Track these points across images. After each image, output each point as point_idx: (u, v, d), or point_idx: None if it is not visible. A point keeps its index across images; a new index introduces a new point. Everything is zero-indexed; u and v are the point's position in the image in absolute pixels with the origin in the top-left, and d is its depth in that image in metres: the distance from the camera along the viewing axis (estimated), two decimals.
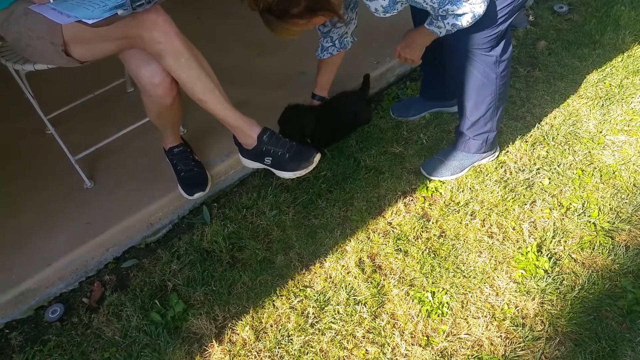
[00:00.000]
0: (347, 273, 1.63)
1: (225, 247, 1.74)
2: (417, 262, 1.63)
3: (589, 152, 1.89)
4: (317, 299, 1.57)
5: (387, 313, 1.52)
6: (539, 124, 2.02)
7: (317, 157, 1.64)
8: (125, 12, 1.31)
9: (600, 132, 1.96)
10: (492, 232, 1.69)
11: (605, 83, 2.14)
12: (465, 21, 1.38)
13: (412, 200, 1.82)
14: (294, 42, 2.42)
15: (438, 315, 1.51)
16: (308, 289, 1.61)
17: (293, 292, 1.60)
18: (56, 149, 1.81)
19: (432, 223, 1.74)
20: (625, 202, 1.73)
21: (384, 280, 1.60)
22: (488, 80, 1.57)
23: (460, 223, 1.73)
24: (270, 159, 1.64)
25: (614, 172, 1.81)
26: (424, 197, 1.82)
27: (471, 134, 1.74)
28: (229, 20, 2.68)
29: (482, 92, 1.60)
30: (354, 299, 1.56)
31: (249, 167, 1.75)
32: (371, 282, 1.59)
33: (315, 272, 1.65)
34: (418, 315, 1.51)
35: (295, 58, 2.37)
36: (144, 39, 1.40)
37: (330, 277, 1.63)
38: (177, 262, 1.72)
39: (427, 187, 1.84)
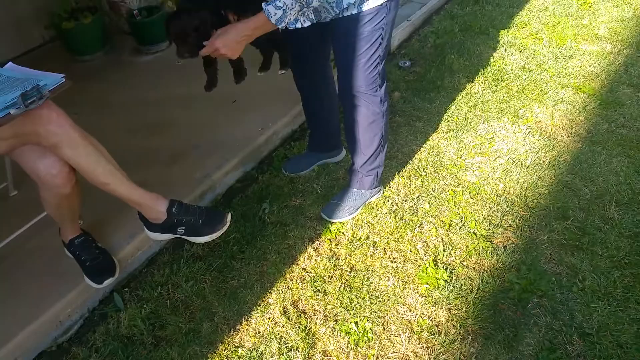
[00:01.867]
0: (275, 324, 1.69)
1: (145, 329, 1.71)
2: (337, 299, 1.76)
3: (455, 175, 2.21)
4: (250, 356, 1.61)
5: (320, 352, 1.61)
6: (410, 159, 2.31)
7: (229, 217, 1.72)
8: (18, 110, 1.32)
9: (460, 157, 2.31)
10: (393, 258, 1.89)
11: (454, 118, 2.53)
12: None
13: (319, 244, 1.96)
14: (181, 119, 2.54)
15: (365, 342, 1.63)
16: (239, 349, 1.64)
17: (225, 355, 1.62)
18: None
19: (342, 260, 1.89)
20: (494, 210, 2.04)
21: (310, 322, 1.69)
22: (376, 117, 1.81)
23: (366, 255, 1.90)
24: (183, 228, 1.68)
25: (478, 188, 2.14)
26: (329, 239, 1.98)
27: (364, 171, 1.96)
28: (108, 110, 2.71)
29: (373, 129, 1.84)
30: (286, 346, 1.63)
31: (159, 239, 1.77)
32: (299, 327, 1.68)
33: (243, 331, 1.69)
34: (348, 347, 1.62)
35: (185, 133, 2.46)
36: (40, 134, 1.41)
37: (259, 332, 1.68)
38: (97, 355, 1.64)
39: (330, 230, 2.00)
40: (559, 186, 2.14)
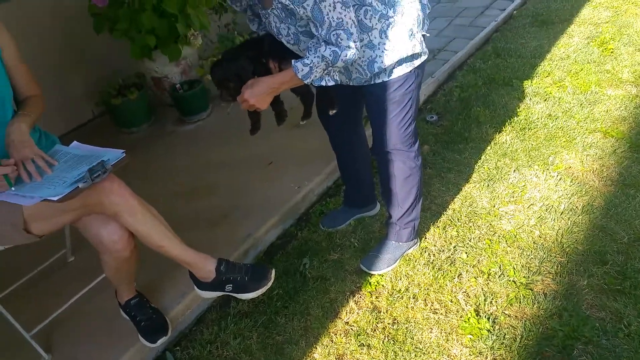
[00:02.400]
0: None
1: None
2: (381, 352, 1.79)
3: (490, 224, 2.26)
4: None
5: None
6: (443, 210, 2.38)
7: (273, 273, 1.81)
8: (85, 184, 1.48)
9: (494, 206, 2.36)
10: (435, 309, 1.92)
11: (484, 168, 2.60)
12: (345, 56, 1.52)
13: (360, 297, 2.02)
14: (221, 182, 2.69)
15: None
16: None
17: None
18: (9, 327, 1.80)
19: (384, 313, 1.93)
20: (531, 258, 2.07)
21: None
22: (412, 172, 1.92)
23: (407, 307, 1.94)
24: (231, 285, 1.78)
25: (514, 236, 2.18)
26: (370, 292, 2.03)
27: (402, 224, 2.03)
28: (154, 177, 2.90)
29: (409, 183, 1.94)
30: None
31: (208, 297, 1.87)
32: None
33: None
34: None
35: (226, 195, 2.61)
36: (104, 204, 1.56)
37: None
38: None
39: (370, 283, 2.06)
40: (595, 231, 2.15)
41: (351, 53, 1.52)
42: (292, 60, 1.58)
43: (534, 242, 2.14)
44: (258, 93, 1.66)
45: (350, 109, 2.01)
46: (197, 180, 2.79)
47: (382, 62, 1.66)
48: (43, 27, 3.27)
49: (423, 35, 1.71)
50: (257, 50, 1.73)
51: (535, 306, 1.88)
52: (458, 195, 2.45)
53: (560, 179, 2.45)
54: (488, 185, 2.49)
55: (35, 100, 1.77)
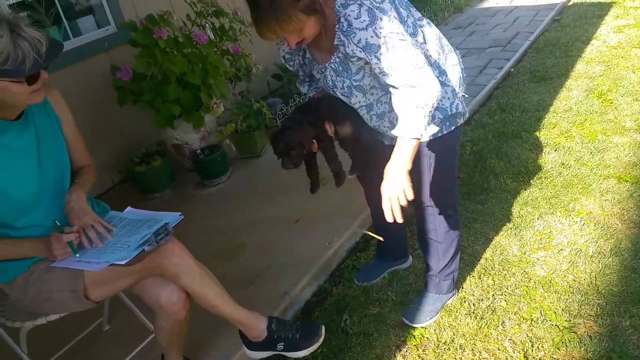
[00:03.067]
0: None
1: None
2: None
3: (524, 271, 2.31)
4: None
5: None
6: (476, 260, 2.43)
7: (323, 329, 1.83)
8: (151, 247, 1.53)
9: (524, 253, 2.41)
10: (484, 358, 1.93)
11: (508, 217, 2.68)
12: (433, 90, 1.49)
13: (407, 351, 2.02)
14: (249, 243, 2.73)
15: None
16: None
17: None
18: None
19: None
20: (570, 302, 2.10)
21: None
22: (453, 224, 1.98)
23: (455, 358, 1.95)
24: (283, 344, 1.79)
25: (550, 281, 2.22)
26: (415, 345, 2.04)
27: (442, 276, 2.07)
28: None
29: (451, 236, 1.99)
30: None
31: (259, 358, 1.87)
32: None
33: None
34: None
35: (256, 255, 2.64)
36: (163, 266, 1.60)
37: None
38: None
39: (414, 336, 2.07)
40: (627, 272, 2.21)
41: (437, 86, 1.50)
42: (398, 135, 1.56)
43: (569, 286, 2.18)
44: (399, 180, 1.59)
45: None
46: (225, 241, 2.83)
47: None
48: (72, 100, 3.41)
49: (462, 96, 1.82)
50: (315, 115, 1.77)
51: (582, 349, 1.89)
52: (488, 245, 2.51)
53: (584, 224, 2.53)
54: (515, 233, 2.55)
55: (89, 170, 1.84)
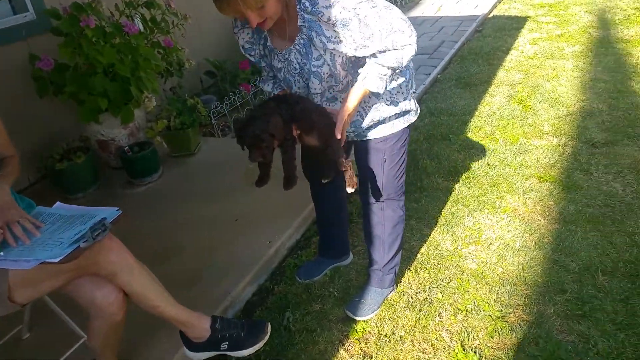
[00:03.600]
0: None
1: None
2: None
3: (457, 264, 2.41)
4: None
5: None
6: (413, 255, 2.50)
7: (269, 326, 1.80)
8: (87, 243, 1.43)
9: (456, 248, 2.52)
10: (423, 348, 1.99)
11: (441, 214, 2.79)
12: (407, 55, 1.51)
13: (349, 345, 2.04)
14: (187, 244, 2.63)
15: None
16: None
17: None
18: None
19: (374, 358, 1.96)
20: (500, 292, 2.22)
21: None
22: (400, 220, 2.02)
23: (396, 350, 1.99)
24: (227, 343, 1.73)
25: (481, 274, 2.33)
26: (357, 339, 2.06)
27: (386, 270, 2.11)
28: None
29: (396, 230, 2.03)
30: None
31: (199, 359, 1.80)
32: None
33: None
34: None
35: (195, 256, 2.55)
36: (100, 263, 1.50)
37: None
38: None
39: (356, 330, 2.09)
40: (550, 263, 2.37)
41: (411, 50, 1.51)
42: (361, 79, 1.59)
43: (499, 278, 2.31)
44: (345, 124, 1.64)
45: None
46: (161, 243, 2.71)
47: (383, 111, 1.77)
48: None
49: (413, 92, 1.86)
50: (289, 110, 1.67)
51: (513, 336, 2.01)
52: (423, 240, 2.59)
53: (510, 220, 2.69)
54: (448, 229, 2.66)
55: (13, 161, 1.70)
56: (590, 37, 5.20)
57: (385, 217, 2.00)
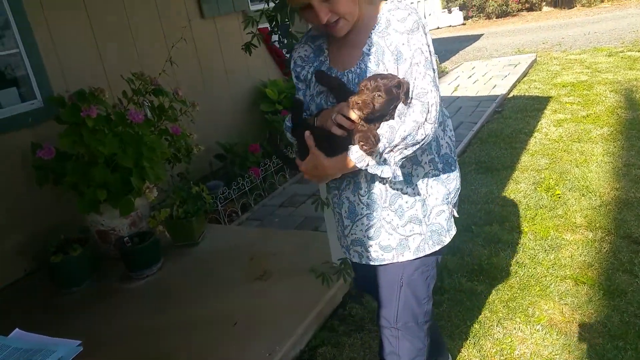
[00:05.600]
0: None
1: None
2: None
3: None
4: None
5: None
6: None
7: None
8: None
9: None
10: None
11: (466, 323, 2.46)
12: (424, 132, 1.31)
13: None
14: (182, 348, 2.34)
15: None
16: None
17: None
18: None
19: None
20: None
21: None
22: (419, 354, 1.69)
23: None
24: None
25: None
26: None
27: None
28: (98, 344, 2.51)
29: None
30: None
31: None
32: None
33: None
34: None
35: None
36: None
37: None
38: None
39: None
40: None
41: (429, 136, 1.33)
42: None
43: None
44: (324, 176, 1.44)
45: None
46: (152, 347, 2.44)
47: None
48: None
49: (453, 209, 1.62)
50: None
51: None
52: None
53: (545, 332, 2.34)
54: (474, 342, 2.32)
55: None
56: (619, 118, 4.98)
57: (401, 347, 1.68)
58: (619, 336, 2.27)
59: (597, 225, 3.17)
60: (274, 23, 2.29)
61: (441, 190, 1.53)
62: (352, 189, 1.52)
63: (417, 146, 1.33)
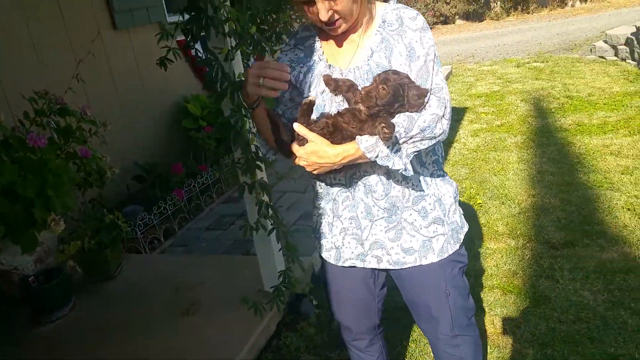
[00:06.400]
0: None
1: None
2: None
3: None
4: None
5: None
6: None
7: None
8: None
9: None
10: None
11: (402, 343, 2.42)
12: (441, 128, 1.35)
13: None
14: None
15: None
16: None
17: None
18: None
19: None
20: None
21: None
22: (478, 349, 1.68)
23: None
24: None
25: None
26: None
27: None
28: None
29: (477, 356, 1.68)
30: None
31: None
32: None
33: None
34: None
35: None
36: None
37: None
38: None
39: None
40: None
41: (445, 133, 1.38)
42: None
43: None
44: (328, 161, 1.34)
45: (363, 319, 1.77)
46: None
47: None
48: None
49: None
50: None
51: None
52: None
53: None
54: None
55: None
56: (530, 126, 5.26)
57: (463, 351, 1.62)
58: (547, 344, 2.33)
59: (518, 232, 3.28)
60: (190, 37, 2.14)
61: (449, 189, 1.55)
62: (364, 190, 1.47)
63: (434, 141, 1.35)
